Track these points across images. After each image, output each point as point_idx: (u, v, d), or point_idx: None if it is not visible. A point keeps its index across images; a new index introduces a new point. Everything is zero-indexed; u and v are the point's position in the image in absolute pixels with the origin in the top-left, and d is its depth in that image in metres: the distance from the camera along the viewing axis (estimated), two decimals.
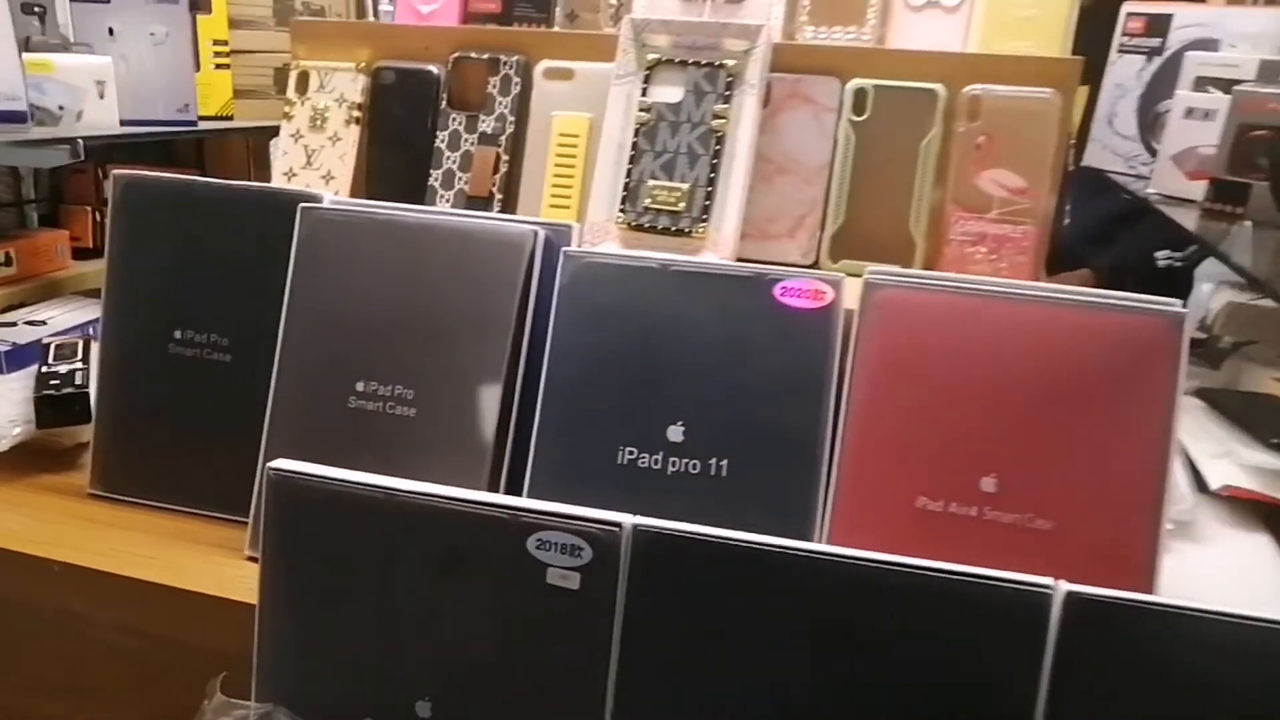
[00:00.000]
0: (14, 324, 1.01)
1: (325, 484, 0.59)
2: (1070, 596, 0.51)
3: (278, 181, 0.94)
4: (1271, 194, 0.78)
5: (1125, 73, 1.16)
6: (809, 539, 0.62)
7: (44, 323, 1.02)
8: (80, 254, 1.20)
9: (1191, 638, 0.50)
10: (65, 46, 1.01)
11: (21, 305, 1.08)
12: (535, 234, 0.70)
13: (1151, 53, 1.13)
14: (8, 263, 1.10)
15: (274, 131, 1.13)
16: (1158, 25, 1.12)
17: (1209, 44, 1.07)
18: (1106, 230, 1.40)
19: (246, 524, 0.73)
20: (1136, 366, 0.60)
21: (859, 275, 0.65)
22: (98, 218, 1.22)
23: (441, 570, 0.57)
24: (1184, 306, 0.61)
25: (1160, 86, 1.10)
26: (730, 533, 0.54)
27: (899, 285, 0.64)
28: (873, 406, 0.64)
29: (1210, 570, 0.72)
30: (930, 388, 0.63)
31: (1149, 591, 0.59)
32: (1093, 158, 1.21)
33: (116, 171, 0.79)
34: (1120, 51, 1.16)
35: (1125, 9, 1.15)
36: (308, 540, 0.60)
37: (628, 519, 0.54)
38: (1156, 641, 0.51)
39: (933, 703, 0.52)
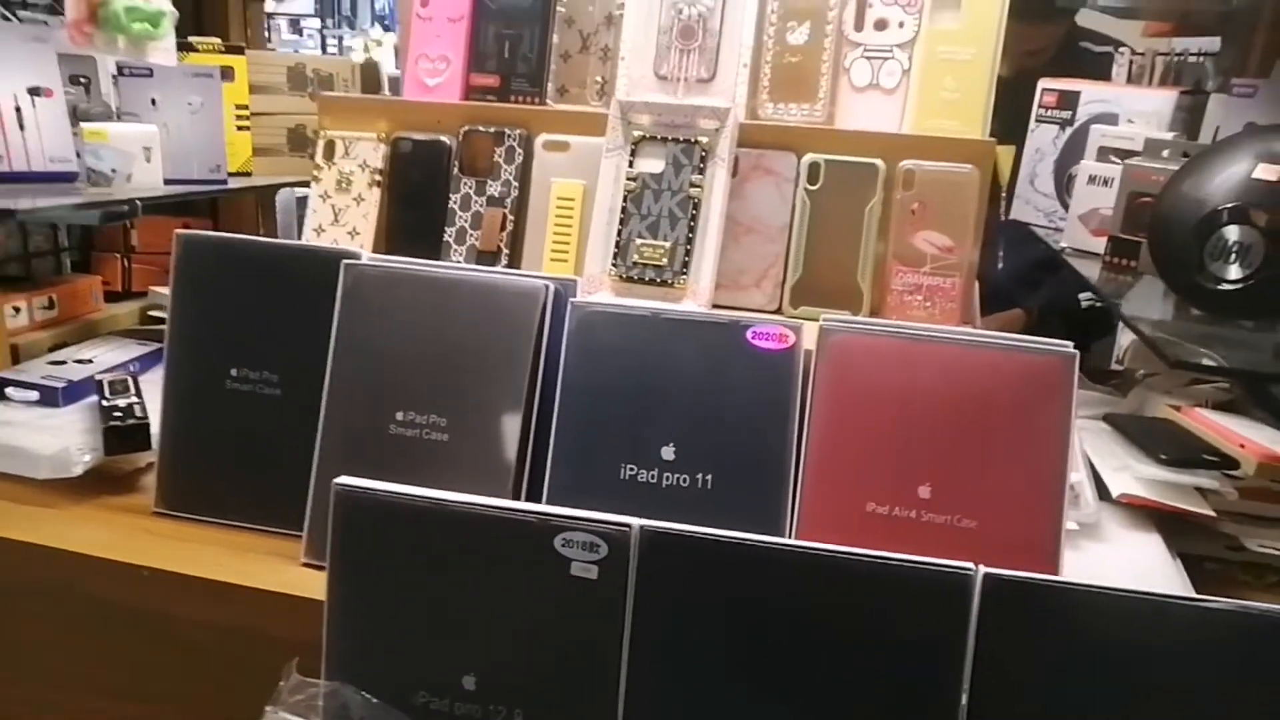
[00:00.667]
0: (63, 362, 1.13)
1: (384, 497, 0.72)
2: (988, 577, 0.66)
3: (308, 236, 1.07)
4: (1150, 252, 0.94)
5: (1043, 139, 1.33)
6: (780, 537, 0.75)
7: (90, 360, 1.14)
8: (110, 296, 1.31)
9: (1088, 609, 0.65)
10: (111, 115, 1.13)
11: (63, 345, 1.19)
12: (547, 287, 0.83)
13: (1064, 123, 1.30)
14: (50, 306, 1.21)
15: (285, 185, 1.26)
16: (1068, 100, 1.29)
17: (1110, 118, 1.24)
18: (1034, 275, 1.58)
19: (298, 536, 0.85)
20: (1037, 395, 0.75)
21: (816, 320, 0.80)
22: (126, 264, 1.34)
23: (483, 566, 0.70)
24: (1085, 346, 0.77)
25: (1071, 153, 1.27)
26: (717, 531, 0.68)
27: (848, 331, 0.79)
28: (829, 429, 0.78)
29: (1110, 562, 0.87)
30: (875, 413, 0.77)
31: (1054, 575, 0.73)
32: (1018, 211, 1.37)
33: (179, 231, 0.91)
34: (1038, 121, 1.33)
35: (1041, 84, 1.33)
36: (368, 544, 0.72)
37: (637, 521, 0.68)
38: (1059, 614, 0.65)
39: (882, 667, 0.66)
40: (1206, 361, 0.79)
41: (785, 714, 0.67)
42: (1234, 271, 0.82)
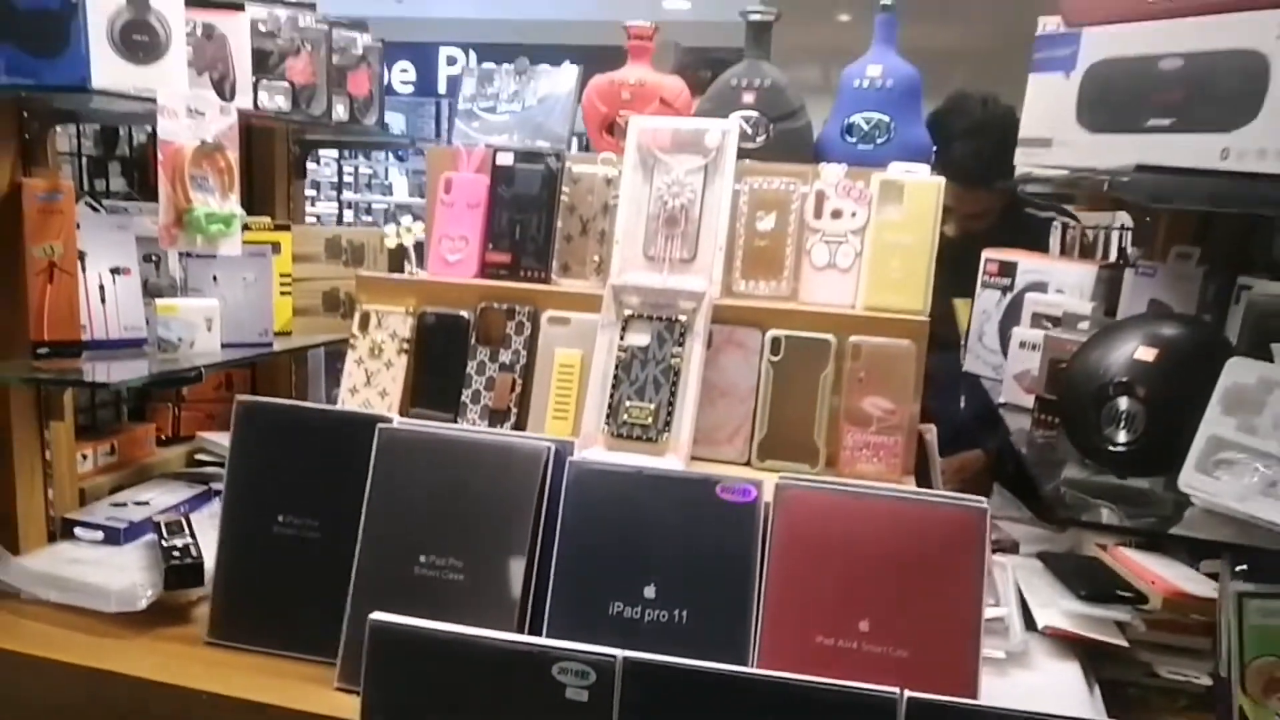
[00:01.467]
0: (124, 504, 1.28)
1: (411, 630, 0.86)
2: (910, 700, 0.80)
3: (344, 396, 1.23)
4: (1059, 415, 1.11)
5: (988, 302, 1.51)
6: (743, 665, 0.89)
7: (147, 502, 1.29)
8: (161, 442, 1.48)
9: None
10: (177, 289, 1.32)
11: (122, 488, 1.35)
12: (549, 448, 1.00)
13: (1005, 289, 1.48)
14: (111, 453, 1.37)
15: (320, 345, 1.44)
16: (1007, 269, 1.48)
17: (1042, 287, 1.42)
18: (990, 419, 1.73)
19: (330, 663, 0.98)
20: (956, 544, 0.90)
21: (778, 472, 0.95)
22: (176, 412, 1.51)
23: (492, 690, 0.84)
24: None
25: (1011, 316, 1.44)
26: (688, 661, 0.82)
27: (799, 488, 0.95)
28: (784, 572, 0.93)
29: (1032, 688, 1.00)
30: (822, 559, 0.92)
31: (973, 698, 0.87)
32: (970, 364, 1.54)
33: (239, 398, 1.08)
34: (983, 285, 1.51)
35: (985, 254, 1.51)
36: (397, 671, 0.87)
37: (620, 653, 0.82)
38: None
39: None
40: (1086, 518, 0.94)
41: None
42: (1123, 436, 0.98)
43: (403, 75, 9.52)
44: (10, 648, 1.02)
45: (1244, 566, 0.86)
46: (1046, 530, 1.38)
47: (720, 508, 0.96)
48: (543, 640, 0.85)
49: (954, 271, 1.55)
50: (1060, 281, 1.42)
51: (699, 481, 0.98)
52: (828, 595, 0.91)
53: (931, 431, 1.47)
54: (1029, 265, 1.46)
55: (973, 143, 1.63)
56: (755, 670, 0.82)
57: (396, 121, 9.88)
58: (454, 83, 9.32)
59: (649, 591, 0.94)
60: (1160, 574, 1.12)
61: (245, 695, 0.94)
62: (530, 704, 0.83)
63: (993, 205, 1.76)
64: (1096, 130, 0.92)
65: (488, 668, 0.85)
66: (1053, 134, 0.96)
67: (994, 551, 1.25)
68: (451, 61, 9.44)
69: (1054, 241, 1.80)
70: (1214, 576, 1.06)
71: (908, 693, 0.79)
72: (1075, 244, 1.65)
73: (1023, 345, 1.32)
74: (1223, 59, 0.81)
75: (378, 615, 0.87)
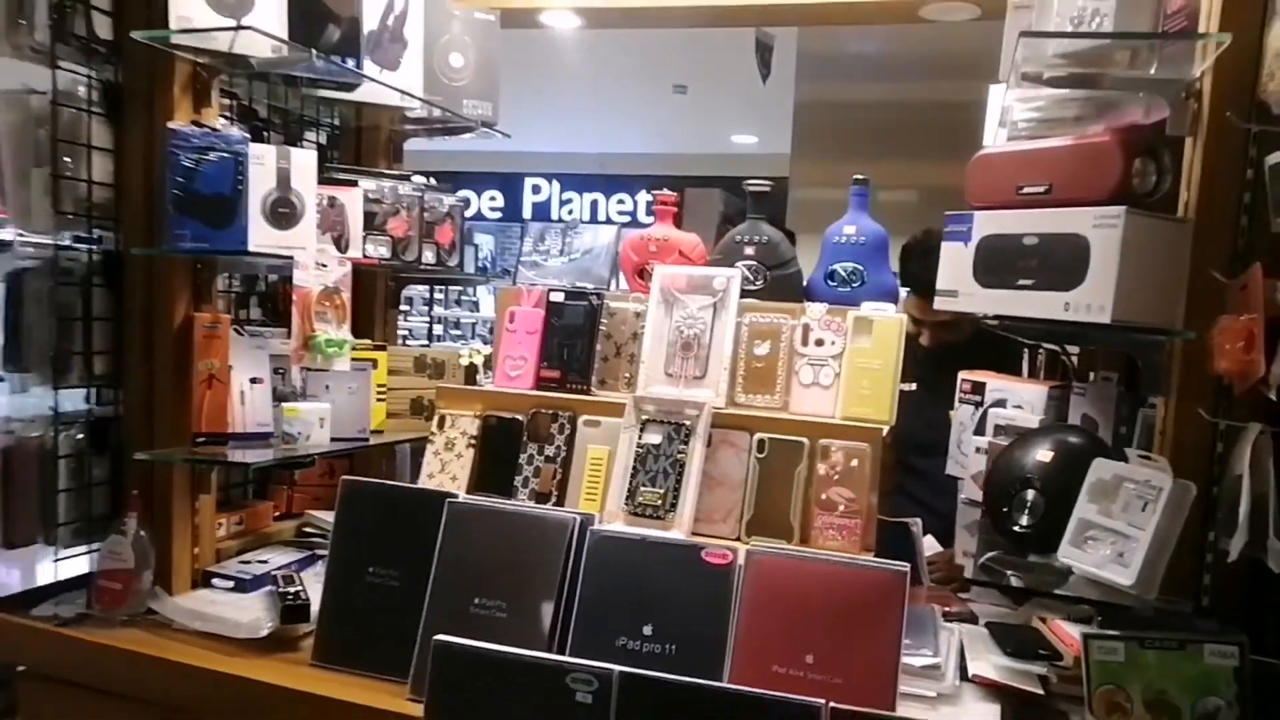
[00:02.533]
0: (249, 562, 1.62)
1: (465, 649, 1.16)
2: (832, 709, 1.06)
3: (424, 480, 1.56)
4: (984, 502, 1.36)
5: (964, 415, 1.77)
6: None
7: (266, 561, 1.63)
8: (278, 517, 1.82)
9: None
10: (297, 395, 1.68)
11: (246, 550, 1.69)
12: (575, 519, 1.30)
13: (977, 404, 1.75)
14: (240, 523, 1.73)
15: (404, 441, 1.78)
16: (978, 388, 1.75)
17: (1003, 403, 1.68)
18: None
19: (402, 681, 1.28)
20: (881, 597, 1.17)
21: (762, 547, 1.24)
22: (290, 493, 1.86)
23: (522, 694, 1.13)
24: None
25: (980, 428, 1.70)
26: (673, 677, 1.10)
27: (764, 553, 1.23)
28: (750, 616, 1.20)
29: None
30: (780, 607, 1.20)
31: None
32: (951, 468, 1.80)
33: (344, 478, 1.42)
34: (960, 401, 1.78)
35: (960, 375, 1.79)
36: (454, 682, 1.16)
37: (617, 668, 1.11)
38: None
39: None
40: (984, 578, 1.20)
41: None
42: (1025, 519, 1.24)
43: (491, 202, 10.20)
44: (169, 658, 1.35)
45: (1100, 618, 1.10)
46: (1006, 607, 1.61)
47: (704, 567, 1.25)
48: (559, 657, 1.14)
49: (945, 381, 1.83)
50: (1019, 399, 1.68)
51: (689, 547, 1.27)
52: (783, 635, 1.19)
53: (917, 524, 1.74)
54: (995, 385, 1.73)
55: (928, 261, 1.92)
56: (716, 683, 1.10)
57: (486, 243, 10.59)
58: (538, 209, 10.01)
59: (647, 629, 1.23)
60: (1078, 638, 1.35)
61: (340, 698, 1.24)
62: (549, 705, 1.12)
63: (954, 316, 2.05)
64: (986, 286, 1.22)
65: (519, 677, 1.14)
66: (958, 287, 1.26)
67: (950, 620, 1.50)
68: (536, 190, 10.13)
69: (1025, 364, 2.05)
70: None
71: (832, 704, 1.06)
72: (1042, 366, 1.90)
73: (978, 450, 1.59)
74: (1060, 239, 1.11)
75: (441, 637, 1.18)
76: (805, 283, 1.68)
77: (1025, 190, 1.17)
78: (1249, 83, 1.02)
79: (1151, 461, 1.12)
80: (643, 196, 9.41)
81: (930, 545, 1.92)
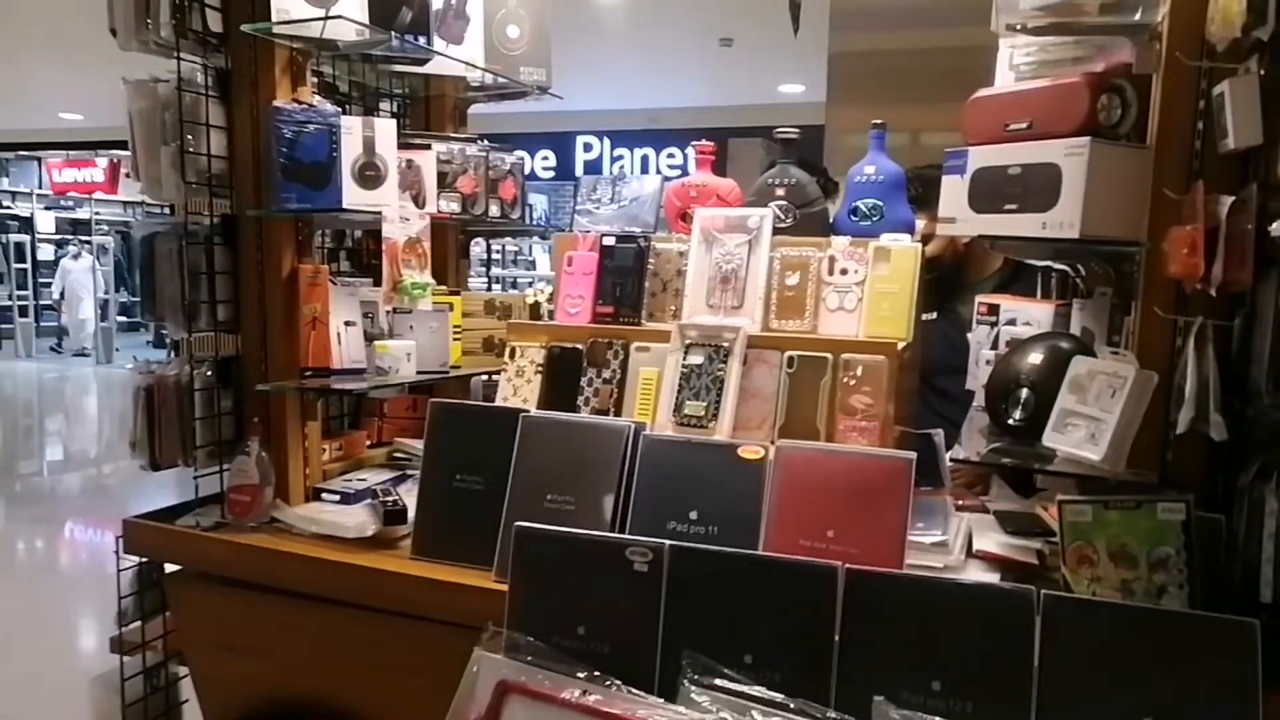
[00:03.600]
0: (350, 480, 1.89)
1: (541, 531, 1.40)
2: (847, 570, 1.27)
3: (498, 403, 1.80)
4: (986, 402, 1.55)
5: (981, 335, 1.95)
6: None
7: (364, 480, 1.89)
8: (370, 445, 2.09)
9: (902, 587, 1.25)
10: (384, 335, 1.92)
11: (346, 472, 1.95)
12: (631, 426, 1.53)
13: (992, 324, 1.92)
14: (340, 449, 1.99)
15: (477, 375, 2.02)
16: (993, 310, 1.92)
17: (1014, 321, 1.86)
18: None
19: (489, 568, 1.53)
20: (890, 480, 1.38)
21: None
22: (380, 423, 2.12)
23: (589, 566, 1.37)
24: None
25: (995, 346, 1.88)
26: (714, 547, 1.32)
27: (791, 448, 1.44)
28: (779, 501, 1.42)
29: None
30: (804, 491, 1.41)
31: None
32: (970, 384, 1.97)
33: (432, 400, 1.66)
34: (977, 323, 1.96)
35: (977, 299, 1.96)
36: (532, 560, 1.40)
37: (667, 542, 1.34)
38: (889, 592, 1.26)
39: (793, 616, 1.27)
40: (975, 459, 1.40)
41: (743, 642, 1.28)
42: (1018, 414, 1.43)
43: (544, 162, 10.42)
44: (294, 551, 1.62)
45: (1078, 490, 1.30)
46: (1017, 504, 1.80)
47: (740, 462, 1.47)
48: (620, 535, 1.38)
49: (966, 307, 2.01)
50: (1029, 317, 1.85)
51: (726, 446, 1.49)
52: (807, 515, 1.40)
53: (940, 434, 1.93)
54: (1008, 306, 1.91)
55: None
56: (746, 551, 1.32)
57: (540, 203, 10.84)
58: (590, 166, 10.20)
59: (693, 515, 1.45)
60: None
61: (438, 578, 1.49)
62: (612, 575, 1.35)
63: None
64: (979, 211, 1.40)
65: (587, 554, 1.38)
66: (955, 214, 1.45)
67: (963, 511, 1.70)
68: (588, 148, 10.32)
69: (1039, 287, 2.21)
70: None
71: (845, 565, 1.28)
72: (1055, 288, 2.06)
73: (987, 364, 1.78)
74: (1038, 169, 1.29)
75: (521, 524, 1.42)
76: (831, 219, 1.86)
77: (1011, 127, 1.35)
78: (1199, 26, 1.18)
79: (1120, 356, 1.30)
80: (692, 150, 9.52)
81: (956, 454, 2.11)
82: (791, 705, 1.21)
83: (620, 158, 10.03)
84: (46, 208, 14.26)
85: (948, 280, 2.29)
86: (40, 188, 14.47)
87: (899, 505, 1.37)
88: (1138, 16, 1.26)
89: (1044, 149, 1.28)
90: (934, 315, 2.15)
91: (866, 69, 2.89)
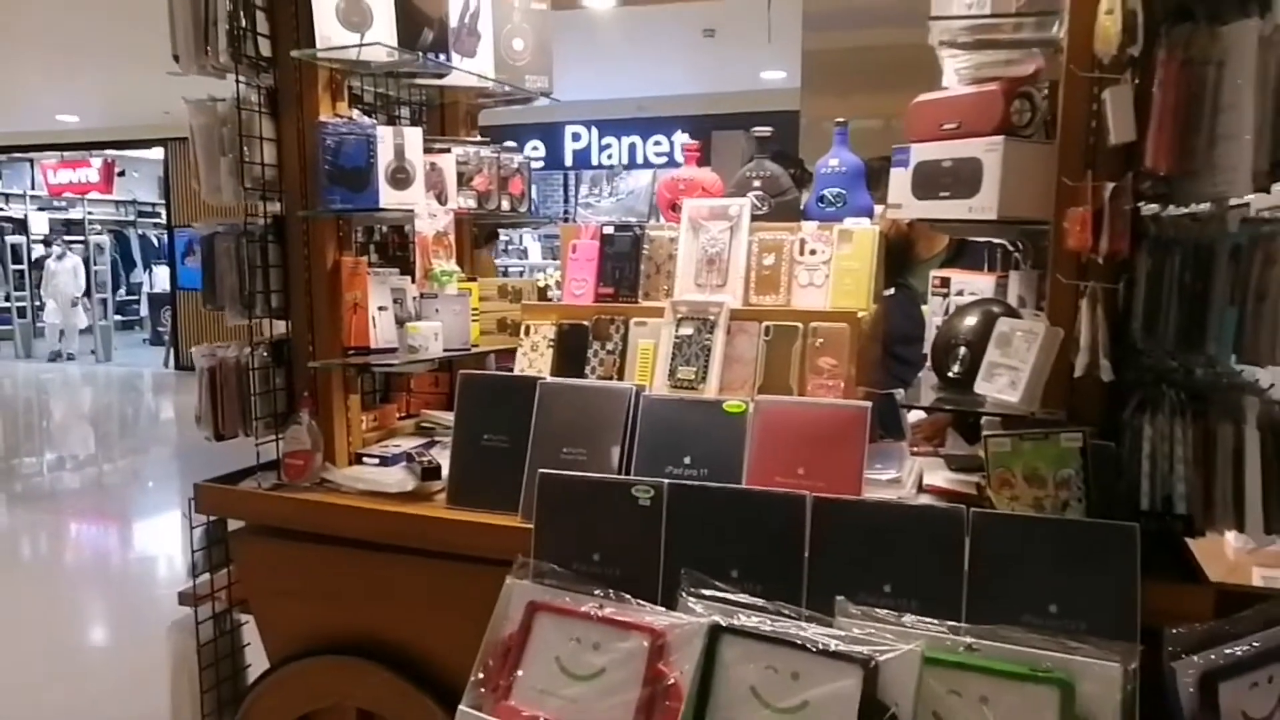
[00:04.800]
0: (386, 447, 2.16)
1: (560, 476, 1.68)
2: (814, 499, 1.55)
3: (517, 373, 2.07)
4: (931, 359, 1.83)
5: (936, 305, 2.22)
6: None
7: (399, 446, 2.16)
8: (400, 417, 2.36)
9: (859, 511, 1.53)
10: (413, 317, 2.19)
11: (381, 440, 2.22)
12: (633, 388, 1.81)
13: (944, 296, 2.20)
14: (375, 420, 2.26)
15: (496, 351, 2.29)
16: (945, 282, 2.19)
17: (962, 292, 2.13)
18: None
19: (514, 512, 1.80)
20: (848, 426, 1.65)
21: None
22: (408, 397, 2.39)
23: (600, 502, 1.64)
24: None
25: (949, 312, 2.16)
26: (705, 483, 1.60)
27: (768, 401, 1.72)
28: (758, 446, 1.70)
29: None
30: (779, 436, 1.69)
31: None
32: (927, 349, 2.26)
33: (462, 372, 1.93)
34: (932, 294, 2.23)
35: (931, 274, 2.24)
36: (553, 502, 1.68)
37: (666, 480, 1.62)
38: (846, 515, 1.54)
39: (770, 541, 1.55)
40: (929, 406, 1.68)
41: (730, 561, 1.56)
42: (956, 368, 1.70)
43: (534, 152, 10.61)
44: (343, 503, 1.90)
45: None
46: (966, 448, 2.08)
47: (725, 415, 1.75)
48: (626, 477, 1.65)
49: (921, 282, 2.29)
50: (975, 287, 2.14)
51: (713, 402, 1.77)
52: (780, 457, 1.68)
53: (900, 393, 2.21)
54: (958, 279, 2.19)
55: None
56: (734, 485, 1.60)
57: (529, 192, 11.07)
58: (578, 156, 10.43)
59: (686, 460, 1.73)
60: None
61: (472, 520, 1.77)
62: (620, 510, 1.63)
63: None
64: (919, 199, 1.67)
65: (599, 493, 1.65)
66: (900, 200, 1.72)
67: (918, 455, 1.98)
68: (576, 138, 10.52)
69: (984, 261, 2.49)
70: None
71: (811, 494, 1.55)
72: (998, 260, 2.34)
73: (937, 329, 2.06)
74: (965, 162, 1.56)
75: (543, 470, 1.69)
76: (803, 207, 2.14)
77: (944, 127, 1.62)
78: (1089, 43, 1.45)
79: (1036, 317, 1.58)
80: (679, 138, 9.81)
81: (917, 414, 2.39)
82: (770, 607, 1.49)
83: (608, 146, 10.25)
84: (40, 209, 14.45)
85: (896, 257, 2.57)
86: (34, 189, 14.64)
87: (856, 446, 1.65)
88: (1044, 33, 1.53)
89: (969, 145, 1.56)
90: (892, 290, 2.43)
91: (836, 64, 3.17)
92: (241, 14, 1.91)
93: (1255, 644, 1.39)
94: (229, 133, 1.94)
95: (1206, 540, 1.53)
